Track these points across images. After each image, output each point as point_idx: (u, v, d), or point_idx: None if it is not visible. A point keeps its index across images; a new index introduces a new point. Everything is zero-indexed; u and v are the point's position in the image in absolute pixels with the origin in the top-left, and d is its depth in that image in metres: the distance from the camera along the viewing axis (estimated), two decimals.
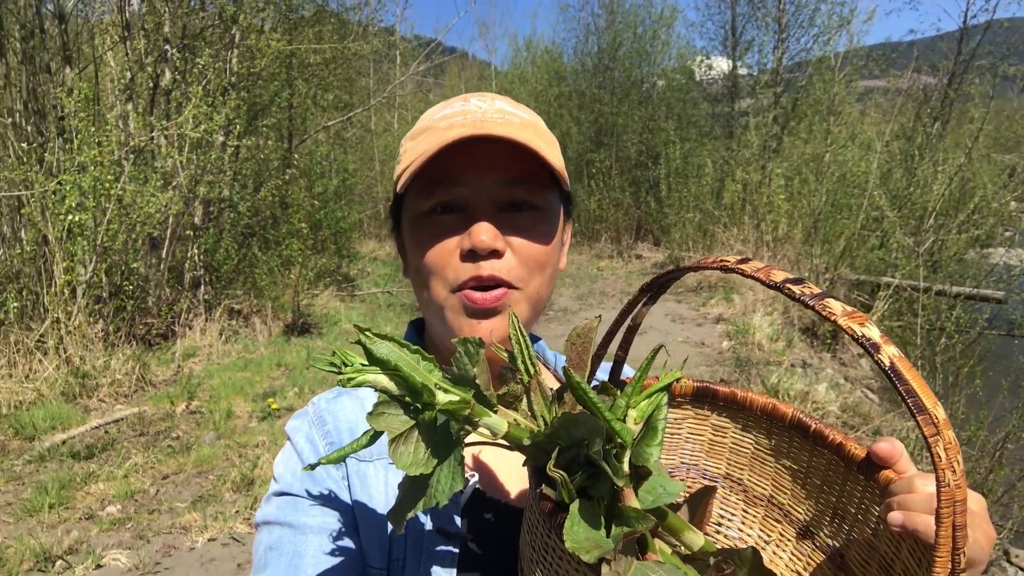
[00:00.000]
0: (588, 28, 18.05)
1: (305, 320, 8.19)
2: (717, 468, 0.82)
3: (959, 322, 5.04)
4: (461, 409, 0.63)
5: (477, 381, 0.66)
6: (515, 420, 0.67)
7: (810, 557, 0.74)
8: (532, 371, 0.69)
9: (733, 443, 0.80)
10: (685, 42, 17.63)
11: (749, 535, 0.79)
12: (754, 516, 0.79)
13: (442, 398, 0.63)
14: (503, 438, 0.66)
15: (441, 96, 27.57)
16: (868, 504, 0.68)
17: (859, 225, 9.19)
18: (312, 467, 0.60)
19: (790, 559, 0.76)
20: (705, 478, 0.82)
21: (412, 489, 0.65)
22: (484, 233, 0.78)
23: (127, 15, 8.09)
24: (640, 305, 0.69)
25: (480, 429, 0.65)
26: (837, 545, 0.72)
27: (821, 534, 0.73)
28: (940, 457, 0.45)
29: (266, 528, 0.79)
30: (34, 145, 6.99)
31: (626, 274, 12.77)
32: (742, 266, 0.57)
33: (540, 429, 0.68)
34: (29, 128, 7.32)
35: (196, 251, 8.04)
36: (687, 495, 0.75)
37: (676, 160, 13.97)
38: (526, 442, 0.66)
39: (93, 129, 6.80)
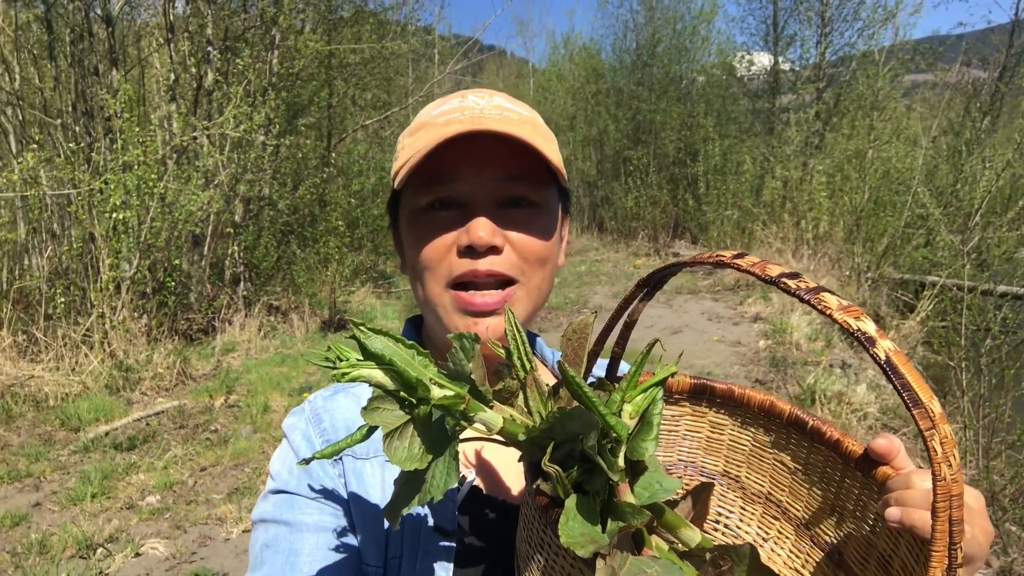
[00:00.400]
0: (626, 24, 17.94)
1: (341, 316, 8.30)
2: (715, 465, 0.81)
3: (1006, 322, 4.88)
4: (456, 404, 0.63)
5: (472, 376, 0.66)
6: (511, 416, 0.67)
7: (808, 554, 0.74)
8: (528, 367, 0.69)
9: (731, 440, 0.79)
10: (725, 38, 17.34)
11: (747, 532, 0.79)
12: (752, 513, 0.79)
13: (437, 393, 0.63)
14: (498, 433, 0.66)
15: None
16: (866, 501, 0.67)
17: (903, 223, 8.97)
18: (307, 461, 0.59)
19: (788, 556, 0.76)
20: (703, 475, 0.82)
21: (407, 485, 0.65)
22: (482, 229, 0.78)
23: (171, 18, 8.28)
24: (636, 301, 0.68)
25: (475, 424, 0.65)
26: (835, 542, 0.71)
27: (819, 531, 0.73)
28: (936, 451, 0.45)
29: (262, 526, 0.79)
30: (82, 145, 7.20)
31: None
32: (738, 261, 0.56)
33: (535, 424, 0.68)
34: (78, 128, 7.55)
35: (236, 248, 8.20)
36: (684, 491, 0.74)
37: (715, 157, 13.80)
38: (521, 437, 0.66)
39: (137, 129, 6.97)
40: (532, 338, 1.00)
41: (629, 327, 0.72)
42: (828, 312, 0.49)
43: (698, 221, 14.27)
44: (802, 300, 0.50)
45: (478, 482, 0.84)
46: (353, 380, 0.60)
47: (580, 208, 18.66)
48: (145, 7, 9.28)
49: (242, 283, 8.19)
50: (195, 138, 7.69)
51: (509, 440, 0.67)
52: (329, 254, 8.59)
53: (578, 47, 19.81)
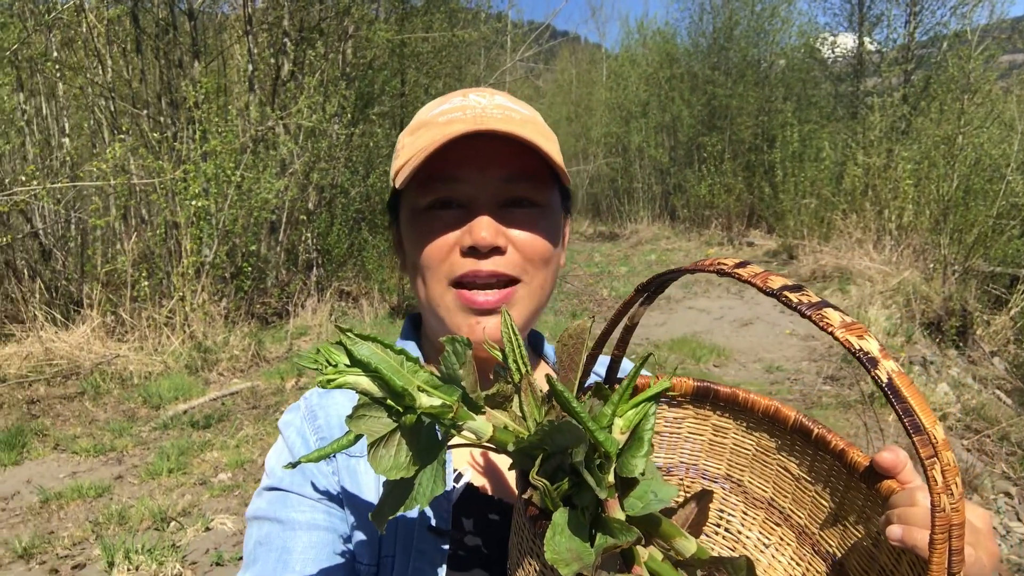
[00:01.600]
0: (703, 7, 17.49)
1: (410, 303, 8.44)
2: (717, 468, 0.80)
3: None
4: (444, 413, 0.63)
5: (463, 383, 0.65)
6: (503, 423, 0.67)
7: (810, 563, 0.73)
8: (524, 370, 0.68)
9: (734, 444, 0.78)
10: (807, 19, 16.76)
11: (748, 537, 0.78)
12: (754, 518, 0.78)
13: (424, 401, 0.62)
14: (488, 442, 0.65)
15: (552, 81, 27.48)
16: (869, 513, 0.66)
17: (995, 213, 8.46)
18: (293, 465, 0.60)
19: (789, 563, 0.75)
20: (704, 478, 0.80)
21: (395, 490, 0.65)
22: (485, 229, 0.77)
23: (250, 10, 8.54)
24: (636, 305, 0.67)
25: (464, 432, 0.65)
26: (837, 552, 0.70)
27: (821, 540, 0.72)
28: (936, 481, 0.44)
29: (256, 523, 0.80)
30: (167, 135, 7.53)
31: None
32: (739, 270, 0.54)
33: (528, 432, 0.67)
34: (162, 119, 7.90)
35: (309, 235, 8.43)
36: (684, 496, 0.73)
37: (793, 143, 13.34)
38: (511, 447, 0.65)
39: (217, 119, 7.24)
40: (537, 338, 0.99)
41: (630, 330, 0.70)
42: (830, 329, 0.47)
43: (774, 210, 13.84)
44: (803, 315, 0.49)
45: (474, 481, 0.83)
46: (339, 387, 0.60)
47: (651, 196, 18.38)
48: (225, 0, 9.59)
49: (315, 269, 8.43)
50: (272, 128, 7.94)
51: (499, 449, 0.66)
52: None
53: (652, 31, 19.43)
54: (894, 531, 0.56)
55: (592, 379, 0.79)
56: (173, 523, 3.65)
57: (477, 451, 0.86)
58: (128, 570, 3.20)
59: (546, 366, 0.97)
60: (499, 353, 0.69)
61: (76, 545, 3.47)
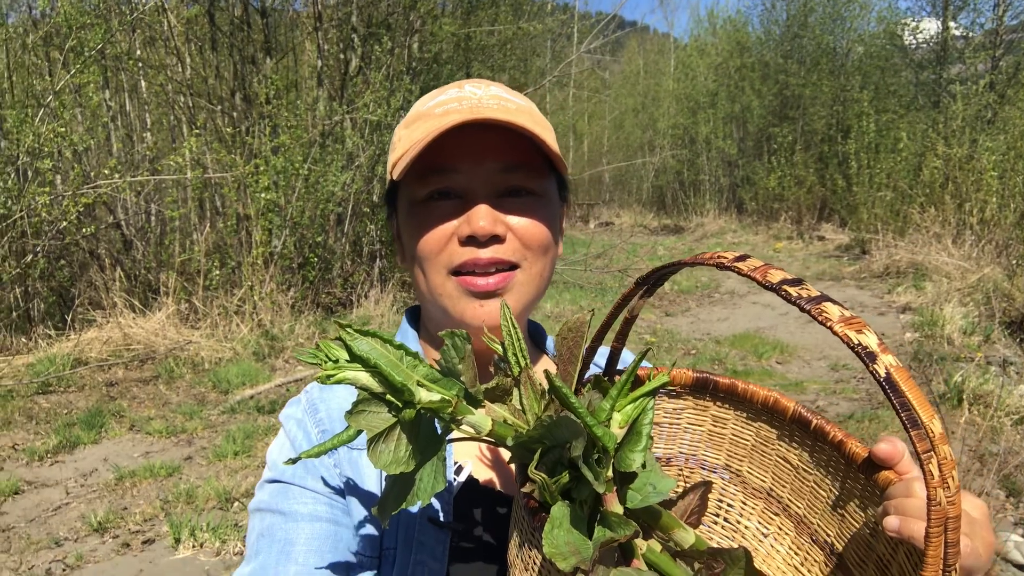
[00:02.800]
0: None
1: None
2: (716, 459, 0.80)
3: None
4: (443, 408, 0.64)
5: (463, 378, 0.67)
6: (502, 417, 0.68)
7: (808, 551, 0.73)
8: (523, 364, 0.69)
9: (733, 434, 0.78)
10: (887, 3, 16.03)
11: (747, 526, 0.79)
12: (752, 508, 0.78)
13: (424, 396, 0.64)
14: (487, 436, 0.66)
15: (619, 72, 27.19)
16: (867, 503, 0.67)
17: None
18: (293, 461, 0.61)
19: (788, 552, 0.75)
20: (704, 468, 0.81)
21: (397, 485, 0.66)
22: (483, 218, 0.77)
23: (319, 7, 8.75)
24: (636, 298, 0.67)
25: (464, 427, 0.66)
26: (835, 542, 0.71)
27: (819, 529, 0.72)
28: (932, 475, 0.44)
29: (258, 515, 0.80)
30: (240, 129, 7.81)
31: (804, 257, 12.01)
32: (738, 264, 0.55)
33: (527, 426, 0.68)
34: (235, 114, 8.18)
35: (374, 227, 8.60)
36: (683, 487, 0.73)
37: (869, 133, 12.83)
38: (510, 442, 0.66)
39: (286, 114, 7.46)
40: (537, 329, 0.99)
41: (629, 323, 0.71)
42: (828, 323, 0.48)
43: (847, 203, 13.38)
44: (802, 309, 0.49)
45: (476, 473, 0.84)
46: (338, 383, 0.61)
47: (718, 188, 18.01)
48: None
49: (378, 260, 8.60)
50: (339, 122, 8.13)
51: (498, 443, 0.67)
52: None
53: (723, 20, 18.99)
54: (891, 522, 0.56)
55: (593, 370, 0.79)
56: (236, 503, 3.81)
57: (477, 443, 0.87)
58: (193, 547, 3.35)
59: (547, 359, 0.97)
60: (499, 346, 0.70)
61: (146, 521, 3.66)
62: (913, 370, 5.67)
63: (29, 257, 6.36)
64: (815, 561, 0.73)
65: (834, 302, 0.49)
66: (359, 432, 0.66)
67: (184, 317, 6.82)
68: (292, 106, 7.82)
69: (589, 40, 12.56)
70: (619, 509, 0.65)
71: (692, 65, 19.01)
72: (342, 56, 9.25)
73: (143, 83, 8.90)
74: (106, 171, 6.63)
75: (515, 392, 0.70)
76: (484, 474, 0.85)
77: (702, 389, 0.78)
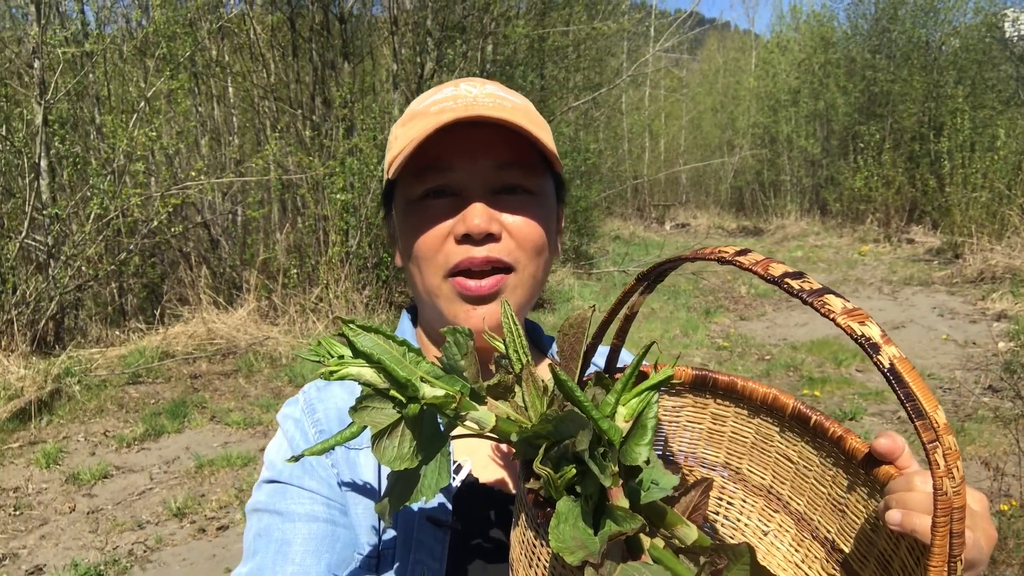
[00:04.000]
0: None
1: (541, 296, 8.52)
2: (716, 456, 0.80)
3: None
4: (447, 403, 0.65)
5: (465, 373, 0.67)
6: (504, 413, 0.68)
7: (809, 548, 0.73)
8: (524, 361, 0.69)
9: (732, 432, 0.78)
10: None
11: (747, 524, 0.78)
12: (752, 505, 0.78)
13: (428, 392, 0.65)
14: (491, 432, 0.67)
15: (698, 71, 26.68)
16: (868, 499, 0.67)
17: None
18: (296, 459, 0.61)
19: (788, 550, 0.75)
20: (703, 466, 0.80)
21: (399, 483, 0.67)
22: (478, 216, 0.77)
23: (395, 11, 8.95)
24: (636, 294, 0.67)
25: (467, 423, 0.67)
26: (836, 538, 0.71)
27: (820, 526, 0.72)
28: (938, 464, 0.44)
29: (255, 515, 0.80)
30: (318, 132, 8.06)
31: (891, 261, 11.48)
32: (739, 258, 0.54)
33: (530, 422, 0.68)
34: (315, 118, 8.45)
35: None
36: (684, 485, 0.73)
37: (964, 131, 12.17)
38: (514, 437, 0.67)
39: (362, 117, 7.66)
40: (534, 328, 0.98)
41: (629, 319, 0.71)
42: (831, 315, 0.48)
43: (939, 204, 12.72)
44: (804, 302, 0.50)
45: (474, 472, 0.83)
46: (342, 379, 0.62)
47: (800, 189, 17.43)
48: (375, 2, 10.08)
49: None
50: None
51: (502, 439, 0.68)
52: None
53: (807, 14, 18.37)
54: (893, 516, 0.56)
55: (592, 369, 0.79)
56: None
57: (476, 441, 0.86)
58: None
59: (545, 357, 0.96)
60: (499, 343, 0.70)
61: (222, 508, 3.83)
62: (1005, 381, 5.35)
63: (123, 254, 6.75)
64: (816, 558, 0.72)
65: (836, 294, 0.49)
66: (362, 429, 0.66)
67: (264, 313, 7.09)
68: (367, 109, 8.02)
69: (664, 38, 12.38)
70: (625, 503, 0.65)
71: (773, 62, 18.47)
72: (417, 60, 9.42)
73: (231, 89, 9.31)
74: (193, 173, 6.96)
75: (517, 389, 0.70)
76: (483, 473, 0.84)
77: (702, 386, 0.78)
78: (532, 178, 0.82)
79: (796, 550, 0.74)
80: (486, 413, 0.67)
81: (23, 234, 5.96)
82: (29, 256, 6.35)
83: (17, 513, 3.75)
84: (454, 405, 0.65)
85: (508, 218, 0.80)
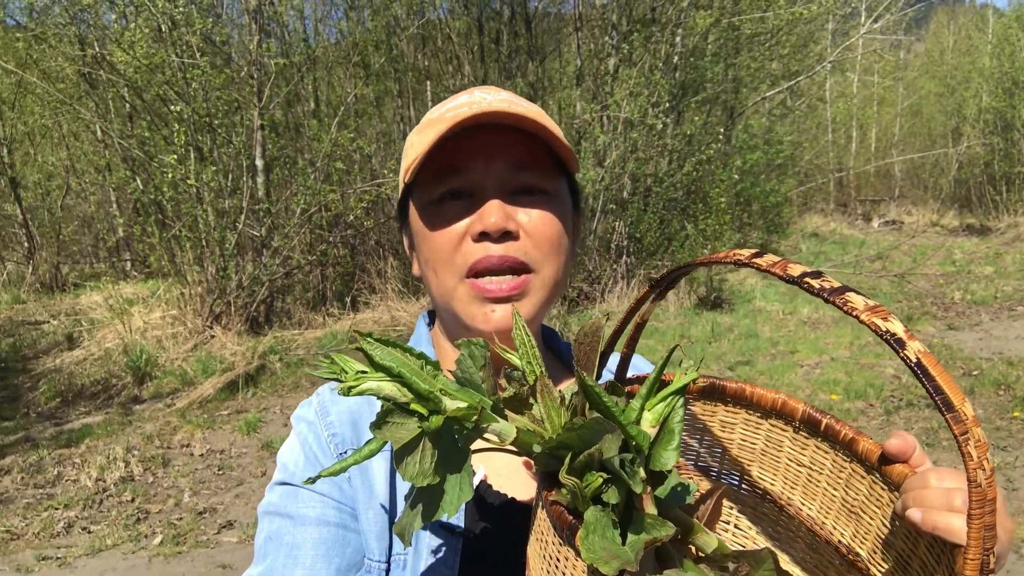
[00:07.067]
0: None
1: (718, 295, 8.22)
2: (726, 464, 0.79)
3: None
4: (469, 416, 0.65)
5: (483, 386, 0.67)
6: (524, 426, 0.67)
7: (823, 554, 0.73)
8: (538, 372, 0.68)
9: (742, 438, 0.77)
10: None
11: (759, 531, 0.78)
12: (765, 512, 0.77)
13: (450, 405, 0.65)
14: (512, 444, 0.66)
15: (921, 52, 24.16)
16: (883, 501, 0.67)
17: None
18: (312, 480, 0.62)
19: (802, 556, 0.75)
20: (713, 474, 0.80)
21: (418, 500, 0.66)
22: (494, 214, 0.77)
23: (579, 9, 9.00)
24: (648, 302, 0.66)
25: (487, 435, 0.66)
26: (851, 542, 0.70)
27: (834, 531, 0.72)
28: (971, 456, 0.44)
29: (267, 518, 0.80)
30: None
31: None
32: (757, 260, 0.54)
33: (549, 433, 0.67)
34: None
35: (622, 223, 8.66)
36: (699, 493, 0.71)
37: None
38: (536, 449, 0.66)
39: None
40: (552, 335, 0.96)
41: (640, 328, 0.70)
42: (855, 313, 0.48)
43: None
44: (826, 300, 0.49)
45: (488, 479, 0.82)
46: (361, 394, 0.63)
47: None
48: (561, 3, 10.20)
49: (624, 256, 8.65)
50: (591, 121, 8.29)
51: (523, 451, 0.67)
52: (706, 231, 8.54)
53: None
54: (914, 514, 0.56)
55: (606, 376, 0.76)
56: None
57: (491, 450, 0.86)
58: None
59: (556, 363, 0.94)
60: (513, 356, 0.70)
61: None
62: None
63: (324, 245, 7.42)
64: (829, 563, 0.72)
65: (857, 292, 0.48)
66: (382, 446, 0.66)
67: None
68: (544, 106, 8.15)
69: (874, 17, 11.32)
70: (655, 511, 0.63)
71: (1011, 39, 16.26)
72: (600, 56, 9.41)
73: (429, 89, 9.87)
74: (385, 171, 7.48)
75: (532, 400, 0.69)
76: (496, 481, 0.83)
77: (711, 395, 0.76)
78: (547, 179, 0.82)
79: (811, 556, 0.74)
80: (507, 425, 0.66)
81: (241, 226, 6.75)
82: (244, 246, 7.18)
83: (220, 472, 4.27)
84: (475, 417, 0.65)
85: (525, 217, 0.80)
